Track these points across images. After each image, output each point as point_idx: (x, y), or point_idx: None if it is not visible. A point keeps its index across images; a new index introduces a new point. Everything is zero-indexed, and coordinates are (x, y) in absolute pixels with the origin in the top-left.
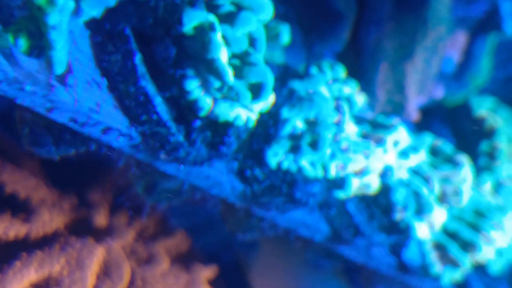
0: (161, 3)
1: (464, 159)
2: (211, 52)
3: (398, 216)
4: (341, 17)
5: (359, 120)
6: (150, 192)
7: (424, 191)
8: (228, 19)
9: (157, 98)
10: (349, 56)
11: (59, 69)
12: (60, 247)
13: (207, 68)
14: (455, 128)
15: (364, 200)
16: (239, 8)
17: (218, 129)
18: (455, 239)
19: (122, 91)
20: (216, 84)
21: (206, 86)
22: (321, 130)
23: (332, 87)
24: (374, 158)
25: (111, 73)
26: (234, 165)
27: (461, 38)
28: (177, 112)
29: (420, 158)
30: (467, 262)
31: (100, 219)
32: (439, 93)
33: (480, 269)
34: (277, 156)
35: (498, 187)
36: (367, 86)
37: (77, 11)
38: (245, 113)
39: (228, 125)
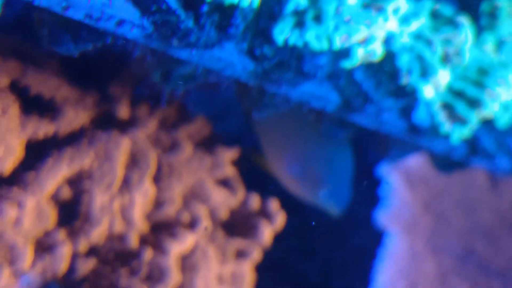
0: None
1: (464, 20)
2: None
3: (404, 80)
4: None
5: None
6: (167, 79)
7: (427, 54)
8: None
9: None
10: None
11: None
12: (87, 142)
13: None
14: None
15: (371, 68)
16: None
17: (225, 12)
18: (461, 98)
19: None
20: None
21: None
22: (323, 4)
23: None
24: (376, 26)
25: None
26: (244, 45)
27: None
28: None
29: (421, 23)
30: (474, 118)
31: (123, 111)
32: None
33: (488, 124)
34: (283, 33)
35: (500, 45)
36: None
37: None
38: None
39: (234, 7)
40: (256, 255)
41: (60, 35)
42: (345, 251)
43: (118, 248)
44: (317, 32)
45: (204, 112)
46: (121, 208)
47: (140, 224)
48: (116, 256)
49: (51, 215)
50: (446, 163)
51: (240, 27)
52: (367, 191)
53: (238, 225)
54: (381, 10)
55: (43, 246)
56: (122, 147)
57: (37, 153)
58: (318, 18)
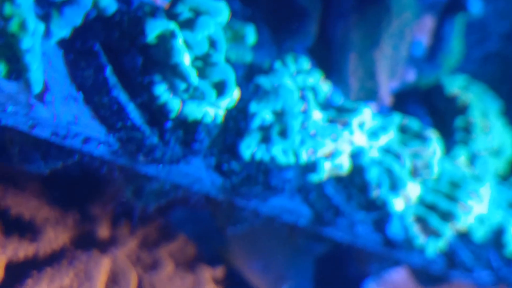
0: (125, 17)
1: (432, 134)
2: (174, 57)
3: (374, 193)
4: (306, 13)
5: (325, 107)
6: (139, 195)
7: (396, 167)
8: (188, 25)
9: (129, 105)
10: (319, 50)
11: (37, 88)
12: (67, 262)
13: (172, 72)
14: (430, 108)
15: (341, 182)
16: (197, 13)
17: (189, 127)
18: (434, 211)
19: (97, 103)
20: (182, 86)
21: (173, 89)
22: (289, 119)
23: (297, 79)
24: (342, 140)
25: (85, 87)
26: (211, 161)
27: (428, 22)
28: (149, 116)
29: (389, 137)
30: (448, 231)
31: (103, 230)
32: (410, 76)
33: (465, 237)
34: (250, 148)
35: (473, 159)
36: (339, 76)
37: (47, 34)
38: (213, 110)
39: (197, 123)
40: None
41: (30, 154)
42: None
43: None
44: (283, 146)
45: (188, 230)
46: None
47: None
48: None
49: None
50: (428, 277)
51: (205, 142)
52: None
53: None
54: (346, 124)
55: None
56: (102, 266)
57: (17, 274)
58: (283, 133)
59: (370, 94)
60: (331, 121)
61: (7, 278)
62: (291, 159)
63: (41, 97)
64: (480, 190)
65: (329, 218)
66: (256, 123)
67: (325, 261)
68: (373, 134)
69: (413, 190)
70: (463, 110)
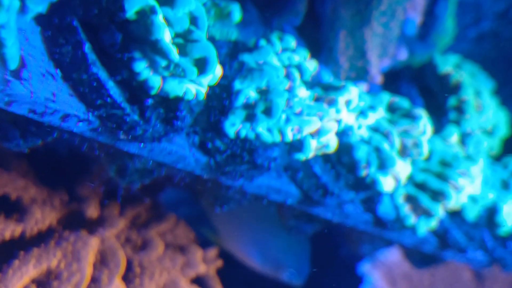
0: None
1: (422, 112)
2: (154, 33)
3: (363, 172)
4: None
5: (311, 85)
6: (123, 174)
7: (385, 146)
8: (168, 1)
9: (109, 82)
10: (309, 28)
11: (13, 64)
12: (55, 242)
13: (153, 49)
14: (422, 87)
15: (329, 161)
16: None
17: (170, 105)
18: (425, 190)
19: (75, 79)
20: (163, 63)
21: (153, 66)
22: (274, 97)
23: (282, 57)
24: (328, 118)
25: (63, 63)
26: (195, 139)
27: (421, 1)
28: (129, 94)
29: (378, 115)
30: (439, 211)
31: (91, 210)
32: (402, 55)
33: (458, 217)
34: (234, 126)
35: (466, 138)
36: (329, 54)
37: (23, 9)
38: (194, 88)
39: (179, 100)
40: None
41: (9, 131)
42: None
43: None
44: (268, 124)
45: (179, 210)
46: None
47: None
48: None
49: None
50: (422, 257)
51: (187, 120)
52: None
53: None
54: (332, 102)
55: None
56: (91, 247)
57: (3, 254)
58: (268, 111)
59: (360, 73)
60: (317, 99)
61: None
62: (277, 137)
63: (17, 73)
64: (471, 169)
65: (317, 198)
66: (240, 101)
67: (316, 242)
68: (361, 113)
69: (403, 169)
70: (456, 89)
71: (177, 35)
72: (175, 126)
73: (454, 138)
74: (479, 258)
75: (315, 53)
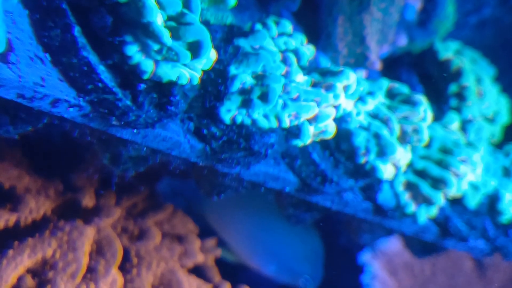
0: None
1: (422, 98)
2: (146, 16)
3: (362, 159)
4: None
5: (308, 70)
6: (116, 162)
7: (385, 132)
8: None
9: (100, 66)
10: (306, 13)
11: None
12: (50, 232)
13: (144, 32)
14: (423, 73)
15: (328, 148)
16: None
17: (163, 89)
18: (425, 178)
19: (65, 64)
20: (155, 46)
21: (145, 49)
22: (270, 82)
23: (278, 41)
24: (326, 104)
25: (52, 47)
26: (190, 125)
27: None
28: (121, 78)
29: (377, 101)
30: (440, 198)
31: (87, 200)
32: (402, 41)
33: (459, 205)
34: (230, 112)
35: (467, 125)
36: (327, 40)
37: None
38: (188, 72)
39: (172, 85)
40: None
41: None
42: None
43: None
44: (264, 110)
45: (176, 200)
46: None
47: None
48: None
49: None
50: (423, 246)
51: (181, 105)
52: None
53: None
54: (330, 87)
55: None
56: (86, 237)
57: None
58: (265, 96)
59: (359, 59)
60: (315, 84)
61: None
62: (273, 123)
63: (4, 57)
64: (473, 157)
65: (316, 186)
66: (236, 86)
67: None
68: (360, 99)
69: (403, 156)
70: (457, 75)
71: (169, 18)
72: (169, 111)
73: (455, 125)
74: (481, 246)
75: (313, 39)
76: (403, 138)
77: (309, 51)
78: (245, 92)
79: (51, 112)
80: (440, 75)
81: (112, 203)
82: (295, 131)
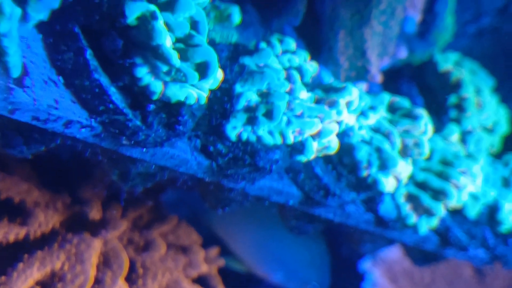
0: None
1: (422, 112)
2: (156, 39)
3: (364, 173)
4: None
5: (312, 87)
6: (125, 178)
7: (386, 146)
8: (169, 6)
9: (111, 88)
10: (308, 28)
11: (15, 72)
12: (58, 245)
13: (154, 54)
14: (423, 85)
15: (330, 162)
16: None
17: (172, 110)
18: (426, 190)
19: (77, 86)
20: (164, 68)
21: (155, 71)
22: (275, 99)
23: (282, 59)
24: (329, 120)
25: (65, 70)
26: (197, 143)
27: None
28: (131, 99)
29: (379, 116)
30: (441, 209)
31: (94, 213)
32: (402, 53)
33: (459, 215)
34: (235, 129)
35: (467, 136)
36: (329, 54)
37: (24, 17)
38: (196, 92)
39: (180, 105)
40: None
41: (13, 138)
42: None
43: None
44: (269, 127)
45: (181, 212)
46: None
47: None
48: None
49: None
50: (423, 255)
51: (189, 125)
52: (348, 285)
53: None
54: (333, 104)
55: None
56: (94, 249)
57: (8, 257)
58: (269, 114)
59: (361, 73)
60: (318, 101)
61: None
62: (278, 140)
63: (20, 81)
64: (473, 168)
65: (319, 199)
66: (241, 104)
67: None
68: (362, 114)
69: (404, 169)
70: (456, 86)
71: (178, 40)
72: (177, 130)
73: (455, 136)
74: (481, 255)
75: (315, 53)
76: (405, 152)
77: (312, 67)
78: (250, 110)
79: (64, 133)
80: (440, 86)
81: (119, 215)
82: (299, 147)
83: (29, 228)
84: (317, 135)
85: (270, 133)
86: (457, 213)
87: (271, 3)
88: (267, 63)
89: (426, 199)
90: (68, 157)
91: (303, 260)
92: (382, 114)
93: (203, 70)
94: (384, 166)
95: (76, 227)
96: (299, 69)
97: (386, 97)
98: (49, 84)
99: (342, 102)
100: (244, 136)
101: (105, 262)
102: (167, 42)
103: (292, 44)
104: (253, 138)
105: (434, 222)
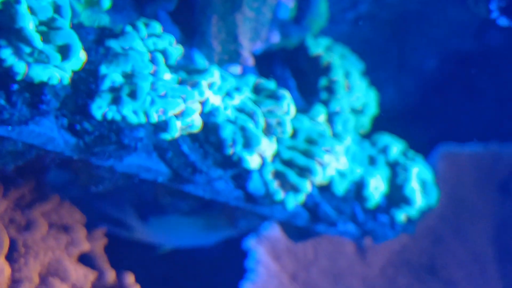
0: None
1: (285, 93)
2: (19, 22)
3: (230, 151)
4: None
5: (176, 69)
6: None
7: (250, 125)
8: None
9: None
10: (183, 13)
11: None
12: None
13: (17, 37)
14: (295, 68)
15: (197, 140)
16: None
17: (35, 89)
18: (292, 167)
19: None
20: (27, 50)
21: (18, 53)
22: (138, 80)
23: (147, 42)
24: (192, 100)
25: None
26: (64, 121)
27: None
28: None
29: (244, 96)
30: (306, 186)
31: None
32: (275, 38)
33: (328, 192)
34: (101, 108)
35: (334, 117)
36: (202, 38)
37: None
38: (58, 73)
39: (43, 85)
40: None
41: None
42: None
43: None
44: (133, 106)
45: (63, 191)
46: None
47: None
48: None
49: None
50: (301, 232)
51: (52, 104)
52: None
53: None
54: (196, 85)
55: None
56: None
57: None
58: (133, 94)
59: (233, 56)
60: (182, 82)
61: None
62: (142, 119)
63: None
64: (336, 147)
65: (187, 176)
66: (106, 84)
67: None
68: (228, 94)
69: (268, 147)
70: (326, 70)
71: (41, 23)
72: (41, 109)
73: (322, 117)
74: (351, 231)
75: (190, 37)
76: (268, 130)
77: (177, 50)
78: (115, 90)
79: None
80: (312, 70)
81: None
82: (163, 126)
83: None
84: (181, 115)
85: (135, 112)
86: (326, 190)
87: None
88: (132, 46)
89: (292, 176)
90: None
91: (193, 233)
92: (247, 95)
93: (65, 51)
94: (248, 144)
95: None
96: (164, 52)
97: (252, 79)
98: None
99: (204, 83)
100: (110, 115)
101: None
102: (30, 25)
103: (158, 28)
104: (118, 117)
105: (301, 198)
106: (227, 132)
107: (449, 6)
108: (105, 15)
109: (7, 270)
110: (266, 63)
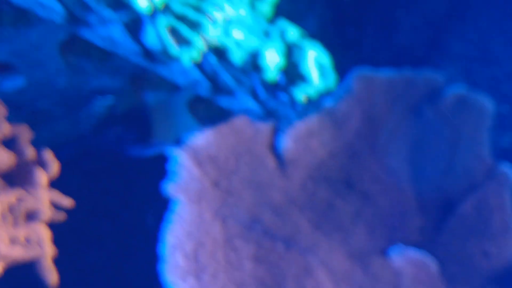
0: None
1: None
2: None
3: None
4: None
5: None
6: None
7: None
8: None
9: None
10: None
11: None
12: None
13: None
14: None
15: None
16: None
17: None
18: (185, 22)
19: None
20: None
21: None
22: None
23: None
24: None
25: None
26: None
27: None
28: None
29: None
30: (199, 40)
31: None
32: None
33: (227, 62)
34: None
35: None
36: None
37: None
38: None
39: None
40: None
41: None
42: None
43: None
44: None
45: None
46: None
47: None
48: None
49: None
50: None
51: None
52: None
53: (16, 175)
54: None
55: None
56: None
57: None
58: None
59: None
60: None
61: None
62: None
63: None
64: (225, 7)
65: (80, 15)
66: None
67: None
68: None
69: None
70: None
71: None
72: None
73: None
74: (255, 109)
75: None
76: None
77: None
78: None
79: None
80: None
81: None
82: None
83: None
84: None
85: None
86: (224, 60)
87: None
88: None
89: (185, 30)
90: None
91: None
92: None
93: None
94: None
95: None
96: None
97: None
98: None
99: None
100: None
101: None
102: None
103: None
104: None
105: (195, 54)
106: None
107: None
108: None
109: None
110: None
